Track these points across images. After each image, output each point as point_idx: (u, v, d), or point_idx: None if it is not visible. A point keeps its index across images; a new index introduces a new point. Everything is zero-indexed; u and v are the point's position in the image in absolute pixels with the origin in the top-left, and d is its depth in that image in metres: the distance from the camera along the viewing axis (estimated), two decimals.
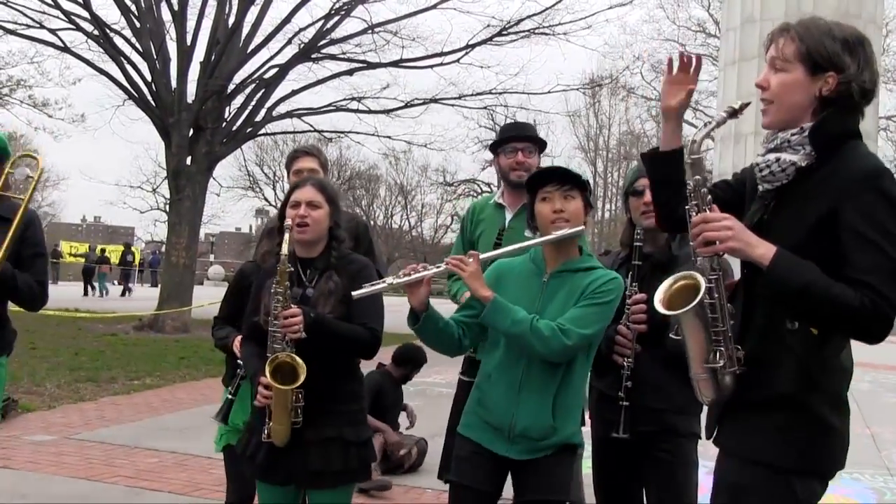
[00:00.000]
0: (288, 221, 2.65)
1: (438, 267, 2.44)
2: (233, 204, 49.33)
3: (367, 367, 3.27)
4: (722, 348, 1.86)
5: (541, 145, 3.64)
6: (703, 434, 2.60)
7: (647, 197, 2.64)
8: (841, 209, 1.79)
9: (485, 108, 18.29)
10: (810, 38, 1.87)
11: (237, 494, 3.27)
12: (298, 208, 2.70)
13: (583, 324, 2.39)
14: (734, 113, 1.91)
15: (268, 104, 15.20)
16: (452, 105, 17.35)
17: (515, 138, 3.58)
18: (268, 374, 2.53)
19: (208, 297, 13.51)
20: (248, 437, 2.73)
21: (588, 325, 2.39)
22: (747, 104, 1.93)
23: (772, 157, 1.90)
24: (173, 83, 14.08)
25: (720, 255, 1.84)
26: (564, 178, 2.52)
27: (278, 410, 2.57)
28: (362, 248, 3.66)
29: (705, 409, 2.09)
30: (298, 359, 2.55)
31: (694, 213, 1.85)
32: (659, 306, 1.90)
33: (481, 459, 2.48)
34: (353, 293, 2.46)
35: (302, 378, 2.52)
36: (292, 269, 2.64)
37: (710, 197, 1.86)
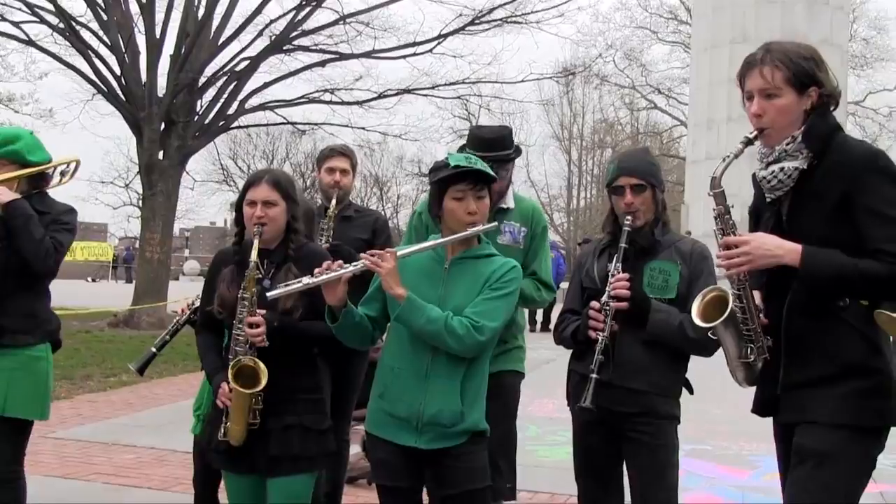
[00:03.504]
0: (254, 228, 2.67)
1: (355, 265, 2.44)
2: (207, 198, 48.62)
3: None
4: (752, 344, 2.17)
5: (512, 156, 3.42)
6: (681, 417, 2.70)
7: (628, 197, 2.68)
8: (851, 193, 2.06)
9: (458, 97, 18.24)
10: (791, 63, 2.15)
11: (202, 483, 3.35)
12: (255, 207, 2.71)
13: (492, 317, 2.44)
14: (749, 142, 2.18)
15: (240, 97, 15.03)
16: (426, 95, 17.27)
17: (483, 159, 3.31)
18: (230, 376, 2.56)
19: (184, 293, 13.38)
20: (209, 429, 2.77)
21: (497, 318, 2.46)
22: (761, 132, 2.18)
23: (775, 168, 2.17)
24: (143, 77, 13.86)
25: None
26: (478, 178, 2.51)
27: (237, 412, 2.59)
28: (380, 242, 3.89)
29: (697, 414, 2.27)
30: (261, 364, 2.58)
31: (720, 236, 2.15)
32: (697, 319, 2.20)
33: (393, 455, 2.49)
34: (268, 294, 2.49)
35: (263, 383, 2.55)
36: (260, 275, 2.67)
37: (732, 221, 2.16)
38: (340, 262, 2.47)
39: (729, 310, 2.13)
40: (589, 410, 2.55)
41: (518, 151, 3.51)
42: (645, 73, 35.44)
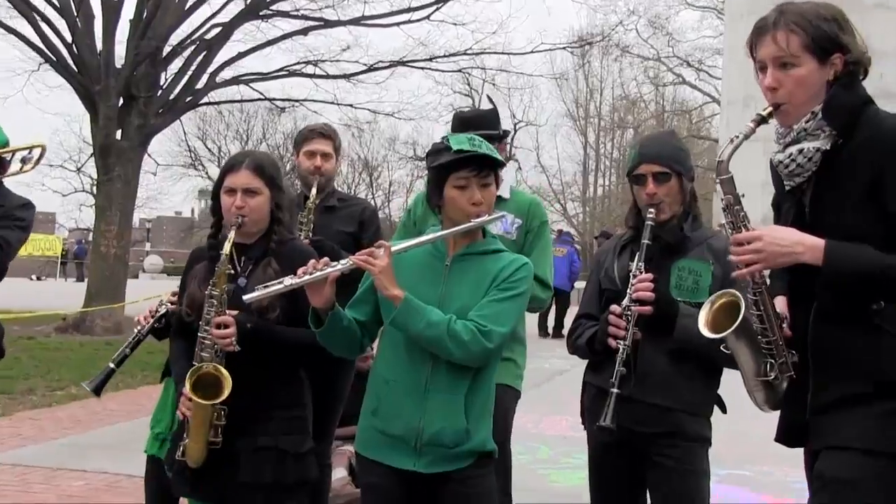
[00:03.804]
0: (233, 218, 2.68)
1: (344, 263, 2.45)
2: (172, 184, 48.83)
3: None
4: (772, 360, 2.09)
5: (499, 139, 3.52)
6: (711, 438, 2.69)
7: (651, 187, 2.69)
8: (884, 176, 1.97)
9: (459, 71, 18.30)
10: (808, 26, 2.05)
11: None
12: (234, 196, 2.71)
13: (501, 321, 2.44)
14: (762, 120, 2.09)
15: (210, 69, 15.05)
16: (422, 68, 17.34)
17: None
18: (188, 386, 2.55)
19: (144, 293, 13.37)
20: (174, 449, 2.75)
21: (506, 322, 2.46)
22: (776, 108, 2.09)
23: (793, 150, 2.08)
24: (98, 45, 13.85)
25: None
26: (483, 163, 2.51)
27: (196, 427, 2.59)
28: (368, 235, 3.89)
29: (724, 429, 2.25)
30: (224, 371, 2.57)
31: (730, 231, 2.07)
32: (704, 329, 2.14)
33: (388, 480, 2.48)
34: (244, 297, 2.50)
35: (226, 393, 2.55)
36: (232, 270, 2.68)
37: (743, 213, 2.07)
38: (326, 259, 2.47)
39: (741, 317, 2.06)
40: (608, 430, 2.54)
41: (505, 133, 3.56)
42: (672, 42, 35.37)
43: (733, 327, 2.07)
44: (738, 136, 2.04)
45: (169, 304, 3.12)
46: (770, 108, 2.09)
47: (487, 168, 2.53)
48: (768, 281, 2.16)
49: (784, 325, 2.12)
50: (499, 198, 3.34)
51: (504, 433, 3.28)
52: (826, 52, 2.05)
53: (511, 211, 3.40)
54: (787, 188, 2.13)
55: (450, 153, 2.51)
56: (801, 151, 2.05)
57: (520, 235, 3.44)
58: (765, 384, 2.12)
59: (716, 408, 2.75)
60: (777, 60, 2.07)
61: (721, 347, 2.14)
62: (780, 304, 2.17)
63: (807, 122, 2.05)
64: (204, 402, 2.54)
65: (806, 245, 1.99)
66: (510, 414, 3.38)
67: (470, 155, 2.49)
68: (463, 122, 3.55)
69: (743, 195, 2.10)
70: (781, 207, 2.21)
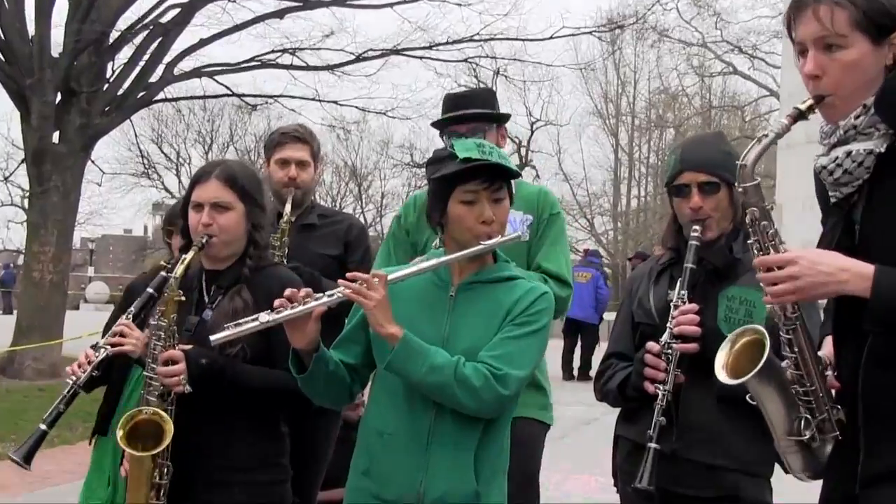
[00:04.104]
0: (198, 237, 2.72)
1: (331, 295, 2.44)
2: (120, 197, 48.41)
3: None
4: (809, 416, 2.00)
5: (496, 119, 3.62)
6: None
7: (696, 200, 2.70)
8: None
9: (465, 61, 18.37)
10: None
11: None
12: (201, 212, 2.75)
13: (518, 362, 2.44)
14: (801, 116, 1.99)
15: (166, 59, 15.11)
16: (421, 58, 17.37)
17: (455, 120, 3.54)
18: (120, 435, 2.53)
19: (87, 327, 13.36)
20: None
21: (524, 364, 2.46)
22: (820, 100, 1.98)
23: (839, 152, 1.99)
24: (31, 29, 13.92)
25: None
26: (495, 173, 2.52)
27: (133, 487, 2.59)
28: (355, 258, 3.89)
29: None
30: (165, 416, 2.57)
31: (756, 253, 2.01)
32: (721, 373, 2.08)
33: None
34: (212, 337, 2.47)
35: (166, 441, 2.54)
36: (183, 297, 2.69)
37: (773, 230, 2.02)
38: (309, 290, 2.45)
39: (764, 358, 1.99)
40: (645, 493, 2.54)
41: (503, 116, 3.62)
42: (721, 24, 35.54)
43: (754, 371, 2.00)
44: (768, 135, 1.98)
45: (108, 347, 3.04)
46: (811, 101, 1.99)
47: (500, 180, 2.53)
48: (822, 316, 2.12)
49: (828, 373, 2.05)
50: None
51: (532, 465, 3.31)
52: (882, 31, 1.95)
53: (517, 207, 3.38)
54: (833, 201, 2.04)
55: (455, 162, 2.50)
56: (849, 154, 1.96)
57: (532, 235, 3.46)
58: (800, 446, 2.04)
59: (776, 466, 2.68)
60: (820, 42, 1.97)
61: (747, 398, 2.08)
62: (828, 346, 2.12)
63: (857, 117, 1.95)
64: (138, 454, 2.53)
65: (852, 272, 1.89)
66: (539, 444, 3.40)
67: (479, 164, 2.48)
68: (453, 101, 3.61)
69: (771, 207, 2.04)
70: (826, 225, 2.13)
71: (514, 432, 3.17)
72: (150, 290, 2.85)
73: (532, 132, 36.70)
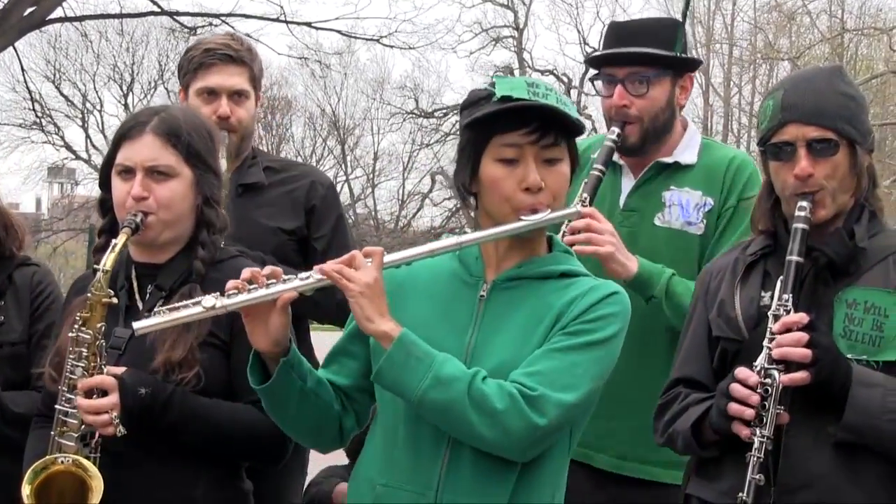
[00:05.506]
0: (129, 215, 2.40)
1: (304, 278, 2.12)
2: (1, 157, 38.65)
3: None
4: None
5: (674, 64, 3.05)
6: None
7: (804, 165, 2.34)
8: None
9: None
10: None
11: None
12: (131, 180, 2.43)
13: (563, 383, 2.05)
14: None
15: None
16: None
17: (609, 60, 3.06)
18: (26, 491, 2.29)
19: None
20: None
21: (574, 386, 2.07)
22: None
23: None
24: None
25: None
26: (548, 122, 2.11)
27: None
28: (323, 231, 3.27)
29: None
30: (92, 468, 2.30)
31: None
32: None
33: None
34: (135, 325, 2.16)
35: (94, 501, 2.27)
36: (115, 299, 2.39)
37: None
38: (276, 269, 2.13)
39: None
40: None
41: (689, 62, 3.11)
42: None
43: None
44: None
45: None
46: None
47: (555, 131, 2.11)
48: None
49: None
50: (674, 166, 3.04)
51: None
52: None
53: (695, 184, 3.01)
54: None
55: (492, 102, 2.12)
56: None
57: (709, 224, 3.00)
58: None
59: None
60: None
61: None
62: None
63: None
64: None
65: None
66: None
67: (525, 105, 2.09)
68: (615, 33, 3.13)
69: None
70: None
71: None
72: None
73: (588, 67, 33.01)
